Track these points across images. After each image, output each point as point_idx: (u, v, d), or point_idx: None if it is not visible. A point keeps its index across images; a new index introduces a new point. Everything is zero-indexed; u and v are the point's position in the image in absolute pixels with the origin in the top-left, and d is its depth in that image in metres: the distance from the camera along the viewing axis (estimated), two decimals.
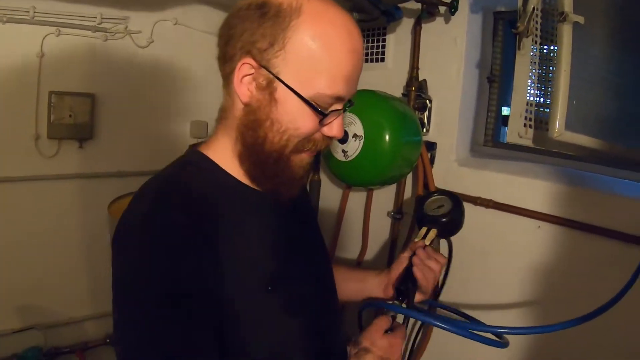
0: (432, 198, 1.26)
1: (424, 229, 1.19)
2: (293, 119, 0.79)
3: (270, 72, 0.77)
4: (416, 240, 1.18)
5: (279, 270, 0.85)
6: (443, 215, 1.20)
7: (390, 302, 1.15)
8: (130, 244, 0.74)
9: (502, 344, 0.95)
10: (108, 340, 2.33)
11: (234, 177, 0.87)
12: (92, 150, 2.27)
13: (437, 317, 0.95)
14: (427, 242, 1.15)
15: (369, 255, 2.08)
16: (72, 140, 2.20)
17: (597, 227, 1.37)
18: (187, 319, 0.70)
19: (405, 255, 1.16)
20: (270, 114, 0.79)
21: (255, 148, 0.82)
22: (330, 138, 0.86)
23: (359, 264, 2.09)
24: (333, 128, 0.83)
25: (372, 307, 1.06)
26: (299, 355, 0.89)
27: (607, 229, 1.34)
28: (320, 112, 0.79)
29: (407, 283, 1.09)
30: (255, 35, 0.77)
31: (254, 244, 0.83)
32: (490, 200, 1.61)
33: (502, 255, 1.59)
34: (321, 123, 0.81)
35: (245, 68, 0.79)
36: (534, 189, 1.53)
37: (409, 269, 1.11)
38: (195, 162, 0.88)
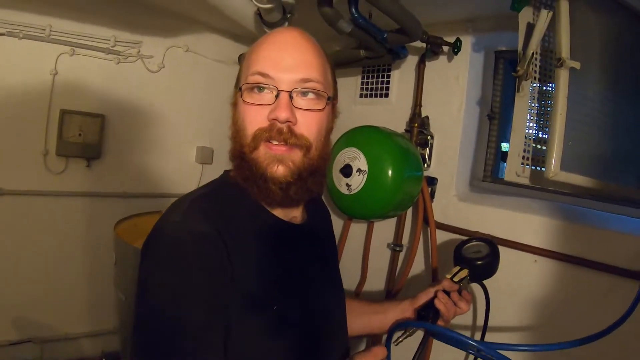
0: (473, 243, 1.32)
1: (456, 268, 1.25)
2: (238, 112, 0.91)
3: (237, 86, 0.93)
4: (447, 276, 1.24)
5: (263, 293, 0.87)
6: (478, 259, 1.25)
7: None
8: (161, 245, 0.81)
9: None
10: (103, 359, 2.33)
11: (252, 198, 0.93)
12: (99, 170, 2.31)
13: (465, 336, 0.98)
14: (456, 279, 1.22)
15: (368, 285, 2.10)
16: (80, 158, 2.25)
17: (592, 261, 1.41)
18: (202, 321, 0.77)
19: (432, 289, 1.21)
20: (233, 118, 0.93)
21: (232, 153, 0.93)
22: (279, 122, 0.87)
23: (357, 294, 2.11)
24: (275, 109, 0.86)
25: (404, 327, 1.11)
26: None
27: (602, 263, 1.38)
28: (238, 88, 0.91)
29: (429, 310, 1.16)
30: (238, 74, 0.96)
31: (250, 264, 0.86)
32: (488, 235, 1.64)
33: (499, 289, 1.61)
34: (242, 97, 0.89)
35: (235, 97, 0.94)
36: (531, 224, 1.57)
37: (434, 299, 1.18)
38: (225, 182, 0.97)
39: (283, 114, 0.84)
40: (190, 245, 0.79)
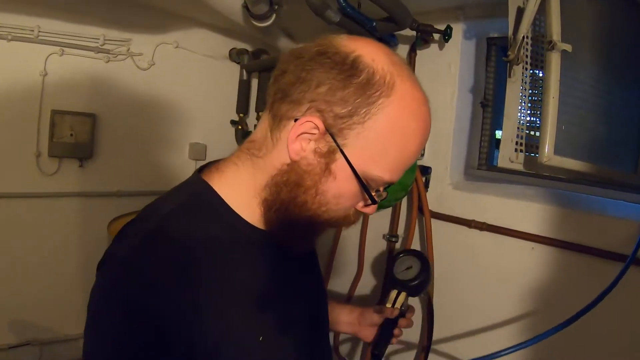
0: (400, 258, 1.34)
1: (394, 293, 1.24)
2: (339, 194, 0.73)
3: (335, 141, 0.69)
4: (388, 305, 1.21)
5: (274, 318, 0.79)
6: (412, 279, 1.26)
7: None
8: (99, 283, 0.70)
9: None
10: None
11: (244, 220, 0.78)
12: (92, 170, 2.30)
13: None
14: (398, 305, 1.20)
15: (365, 276, 2.09)
16: (72, 159, 2.24)
17: (589, 247, 1.40)
18: None
19: (377, 319, 1.17)
20: (318, 183, 0.71)
21: (288, 207, 0.74)
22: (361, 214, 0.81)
23: (354, 286, 2.11)
24: (371, 209, 0.79)
25: None
26: None
27: (600, 248, 1.37)
28: (373, 198, 0.75)
29: (381, 347, 1.15)
30: (335, 96, 0.68)
31: (252, 291, 0.76)
32: (484, 223, 1.64)
33: (496, 277, 1.61)
34: (365, 205, 0.78)
35: (308, 126, 0.69)
36: (527, 211, 1.56)
37: (383, 332, 1.16)
38: (201, 199, 0.77)
39: (372, 213, 0.80)
40: (124, 302, 0.65)
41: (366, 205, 0.78)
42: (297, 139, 0.70)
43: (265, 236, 0.79)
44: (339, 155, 0.69)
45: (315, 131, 0.69)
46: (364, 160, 0.70)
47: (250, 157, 0.77)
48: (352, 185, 0.72)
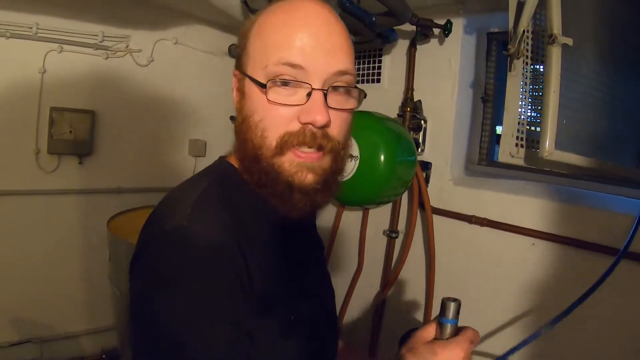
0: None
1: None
2: (255, 108, 0.75)
3: (242, 72, 0.78)
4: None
5: (278, 294, 0.77)
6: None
7: None
8: (166, 257, 0.67)
9: None
10: (104, 356, 2.32)
11: (254, 191, 0.80)
12: (91, 166, 2.30)
13: None
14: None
15: (365, 273, 2.08)
16: (72, 155, 2.24)
17: (590, 242, 1.39)
18: (225, 351, 0.65)
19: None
20: (243, 111, 0.78)
21: (241, 153, 0.79)
22: (315, 126, 0.74)
23: (354, 282, 2.10)
24: (310, 111, 0.72)
25: None
26: None
27: (600, 244, 1.37)
28: (258, 82, 0.73)
29: None
30: (237, 51, 0.83)
31: (265, 270, 0.75)
32: (485, 219, 1.63)
33: (497, 272, 1.61)
34: (267, 96, 0.73)
35: (235, 80, 0.81)
36: (528, 206, 1.55)
37: None
38: (225, 173, 0.83)
39: (321, 118, 0.71)
40: (206, 258, 0.66)
41: (303, 113, 0.73)
42: (235, 95, 0.82)
43: (270, 207, 0.80)
44: (246, 79, 0.77)
45: (236, 79, 0.81)
46: (255, 60, 0.76)
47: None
48: (258, 94, 0.74)
